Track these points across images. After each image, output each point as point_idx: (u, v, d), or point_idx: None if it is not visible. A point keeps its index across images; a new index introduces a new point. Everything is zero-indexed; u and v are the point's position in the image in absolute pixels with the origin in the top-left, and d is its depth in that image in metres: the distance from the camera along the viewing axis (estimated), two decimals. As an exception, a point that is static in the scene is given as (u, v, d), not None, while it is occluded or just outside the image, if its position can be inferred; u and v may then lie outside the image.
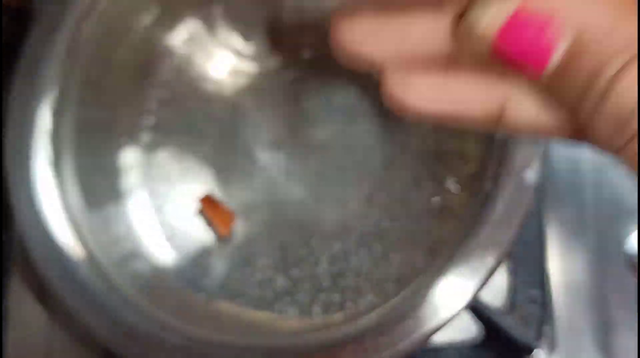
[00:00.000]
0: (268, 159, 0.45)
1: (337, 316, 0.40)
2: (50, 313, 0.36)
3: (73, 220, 0.35)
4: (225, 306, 0.41)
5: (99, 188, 0.40)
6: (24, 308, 0.40)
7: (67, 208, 0.35)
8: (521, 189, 0.31)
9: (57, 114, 0.36)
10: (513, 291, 0.44)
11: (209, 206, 0.44)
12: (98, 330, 0.32)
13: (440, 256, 0.32)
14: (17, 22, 0.41)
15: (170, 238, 0.43)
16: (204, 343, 0.31)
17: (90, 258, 0.34)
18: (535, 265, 0.44)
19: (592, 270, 0.45)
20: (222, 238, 0.43)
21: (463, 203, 0.39)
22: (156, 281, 0.39)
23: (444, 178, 0.40)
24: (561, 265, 0.45)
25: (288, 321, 0.41)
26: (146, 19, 0.42)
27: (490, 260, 0.30)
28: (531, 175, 0.31)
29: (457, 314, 0.31)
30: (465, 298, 0.30)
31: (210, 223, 0.44)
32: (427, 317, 0.31)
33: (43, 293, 0.34)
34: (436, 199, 0.41)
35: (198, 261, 0.43)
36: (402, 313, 0.31)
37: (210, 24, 0.46)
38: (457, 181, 0.40)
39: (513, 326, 0.42)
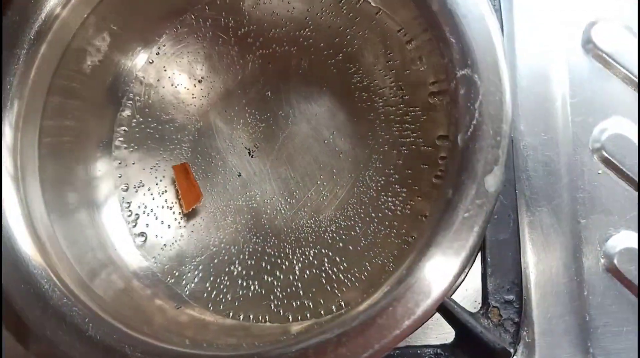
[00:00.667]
0: (241, 166, 0.44)
1: (312, 322, 0.40)
2: (14, 329, 0.35)
3: (36, 233, 0.34)
4: (196, 314, 0.41)
5: (68, 198, 0.40)
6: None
7: (31, 221, 0.35)
8: (482, 196, 0.30)
9: (20, 126, 0.35)
10: (488, 294, 0.43)
11: (182, 176, 0.44)
12: (59, 345, 0.32)
13: (404, 262, 0.32)
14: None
15: (144, 245, 0.43)
16: (163, 356, 0.31)
17: (53, 269, 0.33)
18: (511, 267, 0.43)
19: (569, 272, 0.44)
20: (184, 213, 0.43)
21: (429, 209, 0.38)
22: (127, 292, 0.39)
23: (416, 185, 0.40)
24: (537, 268, 0.44)
25: (263, 327, 0.41)
26: (109, 32, 0.42)
27: (451, 267, 0.30)
28: (492, 181, 0.30)
29: (427, 317, 0.30)
30: (425, 308, 0.30)
31: (177, 193, 0.44)
32: (397, 319, 0.30)
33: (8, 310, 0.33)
34: (404, 204, 0.40)
35: (172, 267, 0.43)
36: (373, 316, 0.30)
37: (179, 36, 0.45)
38: (428, 188, 0.39)
39: (488, 330, 0.42)
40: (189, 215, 0.44)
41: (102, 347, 0.31)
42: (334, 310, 0.40)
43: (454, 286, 0.31)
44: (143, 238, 0.43)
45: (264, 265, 0.42)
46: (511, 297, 0.43)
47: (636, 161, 0.44)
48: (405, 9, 0.39)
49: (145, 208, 0.44)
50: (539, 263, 0.44)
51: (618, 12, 0.47)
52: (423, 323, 0.31)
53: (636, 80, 0.45)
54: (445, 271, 0.30)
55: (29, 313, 0.32)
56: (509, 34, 0.47)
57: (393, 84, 0.42)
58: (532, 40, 0.47)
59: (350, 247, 0.41)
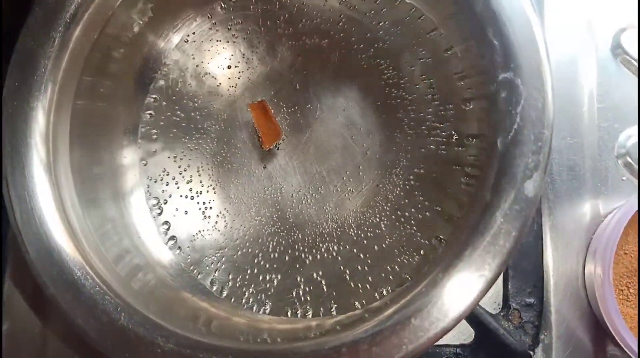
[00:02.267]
0: (267, 158, 0.44)
1: (333, 320, 0.40)
2: (42, 313, 0.35)
3: (68, 220, 0.34)
4: (221, 306, 0.41)
5: (96, 184, 0.40)
6: (19, 306, 0.40)
7: (62, 208, 0.34)
8: (521, 201, 0.30)
9: (53, 110, 0.35)
10: (509, 296, 0.43)
11: (260, 114, 0.44)
12: (90, 332, 0.32)
13: (437, 265, 0.32)
14: (15, 12, 0.40)
15: (169, 234, 0.43)
16: (197, 348, 0.31)
17: (84, 256, 0.33)
18: (533, 270, 0.44)
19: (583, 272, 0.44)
20: (265, 149, 0.43)
21: (462, 212, 0.38)
22: (153, 282, 0.39)
23: (444, 186, 0.40)
24: (558, 271, 0.44)
25: (284, 323, 0.41)
26: (142, 16, 0.41)
27: (486, 273, 0.30)
28: (532, 187, 0.30)
29: (452, 326, 0.30)
30: (460, 310, 0.30)
31: (256, 130, 0.44)
32: (433, 320, 0.30)
33: (36, 293, 0.33)
34: (431, 205, 0.40)
35: (196, 258, 0.43)
36: (398, 323, 0.30)
37: (209, 23, 0.45)
38: (457, 189, 0.39)
39: (509, 332, 0.42)
40: (215, 206, 0.44)
41: (135, 336, 0.31)
42: (359, 307, 0.40)
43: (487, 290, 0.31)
44: (167, 228, 0.43)
45: (287, 258, 0.42)
46: (532, 300, 0.43)
47: (662, 169, 0.44)
48: (442, 7, 0.39)
49: (169, 197, 0.44)
50: (559, 266, 0.44)
51: (650, 19, 0.47)
52: (455, 325, 0.31)
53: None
54: (481, 275, 0.30)
55: (61, 300, 0.32)
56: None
57: (425, 82, 0.42)
58: (561, 43, 0.47)
59: (375, 245, 0.41)
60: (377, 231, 0.42)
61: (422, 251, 0.40)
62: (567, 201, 0.45)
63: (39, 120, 0.34)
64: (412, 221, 0.41)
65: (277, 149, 0.44)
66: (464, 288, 0.30)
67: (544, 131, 0.31)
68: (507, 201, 0.30)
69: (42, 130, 0.34)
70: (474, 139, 0.39)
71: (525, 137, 0.31)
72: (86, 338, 0.32)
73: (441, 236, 0.39)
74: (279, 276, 0.42)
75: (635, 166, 0.45)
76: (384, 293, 0.40)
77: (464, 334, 0.44)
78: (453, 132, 0.40)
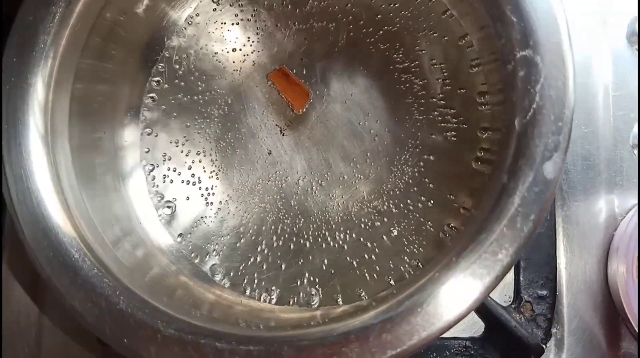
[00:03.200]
0: (272, 144, 0.43)
1: (339, 309, 0.39)
2: (40, 300, 0.34)
3: (66, 200, 0.33)
4: (223, 294, 0.39)
5: (96, 166, 0.38)
6: (16, 293, 0.38)
7: (60, 188, 0.33)
8: (540, 183, 0.29)
9: (52, 87, 0.34)
10: (521, 288, 0.42)
11: (283, 81, 0.42)
12: (87, 317, 0.30)
13: (450, 251, 0.30)
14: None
15: (170, 220, 0.42)
16: (199, 334, 0.30)
17: (82, 238, 0.32)
18: (545, 262, 0.42)
19: (603, 268, 0.43)
20: (299, 112, 0.42)
21: (474, 200, 0.37)
22: (153, 268, 0.37)
23: (455, 173, 0.39)
24: (571, 264, 0.43)
25: (289, 312, 0.39)
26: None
27: (503, 258, 0.28)
28: (551, 168, 0.29)
29: (466, 313, 0.29)
30: (475, 296, 0.28)
31: (284, 98, 0.43)
32: (435, 314, 0.29)
33: (33, 280, 0.32)
34: (442, 192, 0.39)
35: (197, 245, 0.41)
36: (409, 310, 0.29)
37: (214, 5, 0.44)
38: (468, 177, 0.38)
39: (520, 325, 0.41)
40: (217, 193, 0.42)
41: (134, 321, 0.30)
42: (366, 297, 0.38)
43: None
44: (168, 213, 0.42)
45: (292, 246, 0.41)
46: (544, 292, 0.42)
47: (679, 160, 0.43)
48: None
49: (171, 182, 0.42)
50: (573, 259, 0.43)
51: (667, 5, 0.46)
52: (468, 313, 0.29)
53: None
54: (497, 260, 0.29)
55: (58, 283, 0.30)
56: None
57: (435, 66, 0.41)
58: (576, 30, 0.46)
59: (383, 234, 0.40)
60: (384, 219, 0.40)
61: (431, 240, 0.38)
62: (581, 191, 0.44)
63: (38, 96, 0.33)
64: (422, 209, 0.40)
65: (283, 135, 0.43)
66: (479, 273, 0.29)
67: (564, 111, 0.29)
68: (525, 183, 0.29)
69: (41, 106, 0.33)
70: (488, 126, 0.37)
71: (544, 117, 0.29)
72: (83, 323, 0.30)
73: (452, 225, 0.38)
74: (284, 265, 0.40)
75: (651, 157, 0.44)
76: (392, 283, 0.39)
77: (474, 327, 0.43)
78: (465, 118, 0.39)
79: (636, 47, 0.45)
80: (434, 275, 0.29)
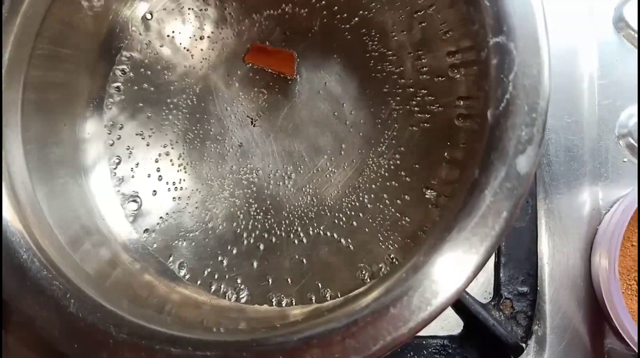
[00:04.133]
0: (242, 136, 0.41)
1: (313, 307, 0.37)
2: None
3: (16, 198, 0.31)
4: (190, 293, 0.38)
5: (52, 162, 0.36)
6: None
7: (11, 185, 0.31)
8: (512, 178, 0.27)
9: (4, 76, 0.32)
10: (501, 285, 0.41)
11: (262, 57, 0.41)
12: (36, 320, 0.28)
13: (422, 247, 0.29)
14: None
15: (135, 216, 0.40)
16: (153, 339, 0.28)
17: (32, 238, 0.30)
18: (526, 257, 0.41)
19: (586, 265, 0.42)
20: (291, 78, 0.41)
21: (449, 190, 0.35)
22: (115, 267, 0.36)
23: (432, 166, 0.37)
24: (553, 259, 0.42)
25: (259, 310, 0.38)
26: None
27: (473, 257, 0.27)
28: (525, 162, 0.27)
29: (435, 316, 0.27)
30: (444, 298, 0.27)
31: (270, 71, 0.41)
32: (413, 309, 0.27)
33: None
34: (418, 186, 0.37)
35: (164, 241, 0.40)
36: (375, 313, 0.27)
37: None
38: (446, 169, 0.36)
39: (499, 323, 0.39)
40: (185, 187, 0.41)
41: (85, 325, 0.28)
42: (339, 295, 0.37)
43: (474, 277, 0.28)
44: (133, 209, 0.40)
45: (263, 243, 0.39)
46: (525, 289, 0.40)
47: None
48: None
49: (136, 176, 0.41)
50: (555, 254, 0.42)
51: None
52: (438, 315, 0.28)
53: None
54: (467, 259, 0.27)
55: (5, 285, 0.29)
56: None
57: (411, 53, 0.39)
58: (561, 15, 0.44)
59: (358, 229, 0.38)
60: (360, 214, 0.39)
61: (409, 235, 0.37)
62: (565, 184, 0.42)
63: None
64: (398, 204, 0.38)
65: (254, 126, 0.41)
66: (448, 274, 0.27)
67: (539, 101, 0.28)
68: (497, 178, 0.27)
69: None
70: (465, 115, 0.36)
71: (517, 107, 0.28)
72: (33, 327, 0.29)
73: (427, 225, 0.36)
74: (254, 262, 0.39)
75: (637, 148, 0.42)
76: (367, 280, 0.37)
77: (452, 325, 0.42)
78: (443, 108, 0.37)
79: (623, 33, 0.43)
80: (400, 275, 0.28)
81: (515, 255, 0.41)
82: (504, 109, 0.28)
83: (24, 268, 0.29)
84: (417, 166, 0.38)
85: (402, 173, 0.39)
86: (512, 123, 0.28)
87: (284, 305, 0.38)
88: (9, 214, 0.30)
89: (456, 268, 0.27)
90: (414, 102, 0.39)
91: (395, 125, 0.39)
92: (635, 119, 0.42)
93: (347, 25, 0.41)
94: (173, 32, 0.42)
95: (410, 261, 0.28)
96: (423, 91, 0.39)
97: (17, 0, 0.33)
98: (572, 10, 0.44)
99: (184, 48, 0.42)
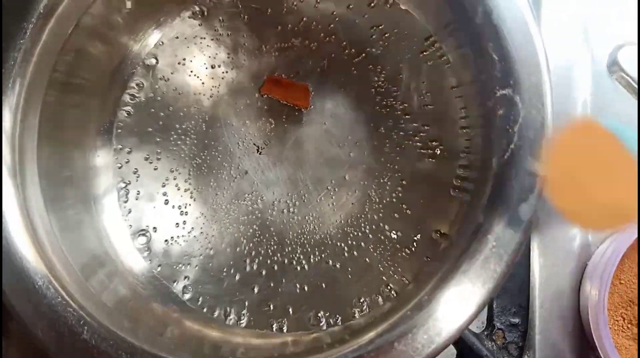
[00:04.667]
0: (248, 163, 0.42)
1: (310, 337, 0.38)
2: (3, 326, 0.33)
3: (32, 225, 0.32)
4: (193, 317, 0.39)
5: (65, 189, 0.37)
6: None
7: (27, 212, 0.32)
8: (515, 224, 0.29)
9: (19, 112, 0.33)
10: (494, 315, 0.42)
11: (275, 87, 0.42)
12: (50, 346, 0.29)
13: (424, 287, 0.30)
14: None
15: (141, 243, 0.41)
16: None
17: (48, 266, 0.31)
18: (519, 290, 0.42)
19: (576, 295, 0.43)
20: (306, 110, 0.42)
21: (452, 230, 0.37)
22: (122, 291, 0.37)
23: (433, 200, 0.38)
24: (545, 290, 0.43)
25: (259, 338, 0.39)
26: (122, 9, 0.39)
27: (477, 296, 0.28)
28: (527, 209, 0.29)
29: (444, 347, 0.29)
30: (447, 337, 0.28)
31: (285, 103, 0.42)
32: (418, 346, 0.29)
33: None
34: (420, 220, 0.39)
35: (168, 265, 0.41)
36: (391, 341, 0.29)
37: (193, 20, 0.43)
38: (446, 205, 0.38)
39: (492, 353, 0.41)
40: (191, 211, 0.41)
41: (97, 352, 0.29)
42: (339, 323, 0.38)
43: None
44: (139, 233, 0.41)
45: (265, 269, 0.40)
46: (517, 320, 0.42)
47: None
48: (440, 15, 0.37)
49: (143, 200, 0.41)
50: (546, 286, 0.43)
51: (648, 36, 0.46)
52: (441, 352, 0.29)
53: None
54: (470, 300, 0.29)
55: (20, 311, 0.30)
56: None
57: (417, 92, 0.40)
58: (557, 57, 0.46)
59: (359, 259, 0.40)
60: (361, 244, 0.40)
61: (407, 269, 0.38)
62: (556, 219, 0.44)
63: (5, 120, 0.32)
64: (399, 236, 0.39)
65: (260, 154, 0.42)
66: (451, 313, 0.28)
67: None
68: (500, 223, 0.29)
69: (7, 131, 0.32)
70: (467, 155, 0.37)
71: (522, 158, 0.29)
72: (47, 353, 0.30)
73: (429, 256, 0.38)
74: (256, 288, 0.40)
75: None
76: (367, 310, 0.39)
77: (446, 352, 0.43)
78: (445, 146, 0.39)
79: (615, 76, 0.45)
80: (406, 312, 0.29)
81: (509, 286, 0.42)
82: (508, 158, 0.29)
83: (39, 294, 0.30)
84: (419, 201, 0.39)
85: (404, 206, 0.40)
86: (516, 172, 0.29)
87: (284, 331, 0.39)
88: (25, 241, 0.31)
89: (459, 308, 0.29)
90: (417, 138, 0.40)
91: (398, 158, 0.41)
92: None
93: (355, 61, 0.42)
94: (184, 59, 0.43)
95: (415, 299, 0.30)
96: (426, 127, 0.40)
97: (38, 30, 0.34)
98: (568, 50, 0.45)
99: (195, 76, 0.43)
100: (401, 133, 0.41)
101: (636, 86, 0.45)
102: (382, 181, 0.41)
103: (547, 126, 0.30)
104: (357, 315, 0.38)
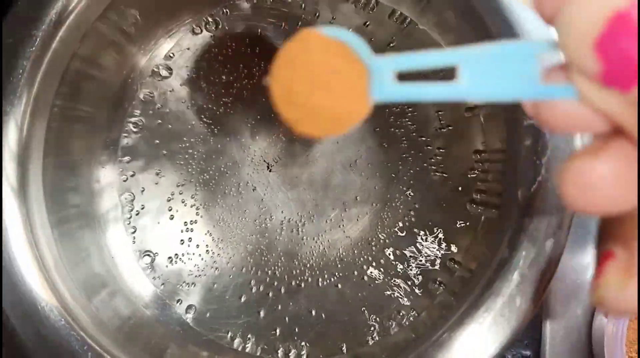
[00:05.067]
0: (257, 180, 0.41)
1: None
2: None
3: (36, 245, 0.30)
4: (196, 342, 0.37)
5: (70, 208, 0.36)
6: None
7: (31, 231, 0.30)
8: (541, 260, 0.28)
9: (25, 127, 0.31)
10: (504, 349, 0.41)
11: None
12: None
13: (443, 323, 0.29)
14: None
15: (145, 261, 0.39)
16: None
17: (51, 287, 0.29)
18: (531, 321, 0.41)
19: (589, 330, 0.42)
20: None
21: (466, 257, 0.36)
22: (124, 311, 0.35)
23: (448, 225, 0.37)
24: (557, 321, 0.42)
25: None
26: (133, 18, 0.37)
27: (500, 336, 0.27)
28: (554, 246, 0.28)
29: None
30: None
31: None
32: None
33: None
34: (437, 246, 0.38)
35: (172, 287, 0.39)
36: None
37: (205, 31, 0.42)
38: (462, 231, 0.37)
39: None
40: (196, 228, 0.40)
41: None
42: (345, 351, 0.37)
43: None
44: (145, 253, 0.40)
45: (272, 291, 0.39)
46: (528, 353, 0.41)
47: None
48: (462, 39, 0.36)
49: (148, 216, 0.40)
50: (557, 317, 0.42)
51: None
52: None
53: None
54: (493, 339, 0.27)
55: (22, 333, 0.28)
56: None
57: (433, 112, 0.39)
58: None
59: (370, 284, 0.38)
60: (371, 267, 0.39)
61: (419, 295, 0.37)
62: (569, 248, 0.43)
63: (10, 137, 0.30)
64: (411, 261, 0.38)
65: (270, 171, 0.41)
66: (474, 353, 0.27)
67: (570, 186, 0.28)
68: (526, 259, 0.28)
69: (12, 144, 0.30)
70: (482, 182, 0.36)
71: (549, 191, 0.28)
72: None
73: (440, 280, 0.37)
74: (262, 311, 0.39)
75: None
76: (376, 338, 0.37)
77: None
78: (459, 169, 0.38)
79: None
80: (426, 349, 0.28)
81: (519, 316, 0.41)
82: (535, 191, 0.28)
83: (42, 316, 0.29)
84: (432, 225, 0.38)
85: (416, 230, 0.39)
86: (543, 207, 0.28)
87: (291, 356, 0.37)
88: (29, 263, 0.30)
89: (482, 348, 0.27)
90: (432, 161, 0.39)
91: (412, 181, 0.40)
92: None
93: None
94: (195, 71, 0.42)
95: (434, 335, 0.29)
96: (442, 150, 0.39)
97: (51, 36, 0.32)
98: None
99: (206, 88, 0.42)
100: (412, 152, 0.40)
101: None
102: (394, 203, 0.40)
103: (576, 159, 0.29)
104: (369, 341, 0.37)
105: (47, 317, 0.29)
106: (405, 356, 0.28)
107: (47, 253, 0.30)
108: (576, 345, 0.42)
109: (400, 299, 0.38)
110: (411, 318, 0.37)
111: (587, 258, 0.43)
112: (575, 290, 0.43)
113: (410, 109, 0.40)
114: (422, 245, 0.38)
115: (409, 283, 0.38)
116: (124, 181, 0.40)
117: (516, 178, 0.29)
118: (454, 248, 0.37)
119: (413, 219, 0.39)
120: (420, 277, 0.38)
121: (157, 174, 0.40)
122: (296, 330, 0.38)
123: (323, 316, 0.38)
